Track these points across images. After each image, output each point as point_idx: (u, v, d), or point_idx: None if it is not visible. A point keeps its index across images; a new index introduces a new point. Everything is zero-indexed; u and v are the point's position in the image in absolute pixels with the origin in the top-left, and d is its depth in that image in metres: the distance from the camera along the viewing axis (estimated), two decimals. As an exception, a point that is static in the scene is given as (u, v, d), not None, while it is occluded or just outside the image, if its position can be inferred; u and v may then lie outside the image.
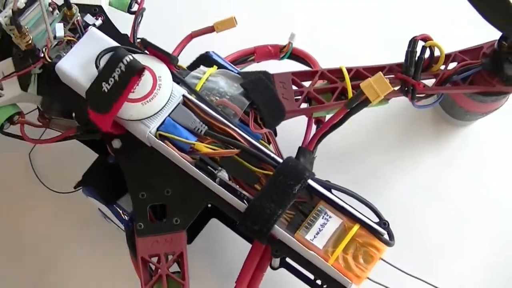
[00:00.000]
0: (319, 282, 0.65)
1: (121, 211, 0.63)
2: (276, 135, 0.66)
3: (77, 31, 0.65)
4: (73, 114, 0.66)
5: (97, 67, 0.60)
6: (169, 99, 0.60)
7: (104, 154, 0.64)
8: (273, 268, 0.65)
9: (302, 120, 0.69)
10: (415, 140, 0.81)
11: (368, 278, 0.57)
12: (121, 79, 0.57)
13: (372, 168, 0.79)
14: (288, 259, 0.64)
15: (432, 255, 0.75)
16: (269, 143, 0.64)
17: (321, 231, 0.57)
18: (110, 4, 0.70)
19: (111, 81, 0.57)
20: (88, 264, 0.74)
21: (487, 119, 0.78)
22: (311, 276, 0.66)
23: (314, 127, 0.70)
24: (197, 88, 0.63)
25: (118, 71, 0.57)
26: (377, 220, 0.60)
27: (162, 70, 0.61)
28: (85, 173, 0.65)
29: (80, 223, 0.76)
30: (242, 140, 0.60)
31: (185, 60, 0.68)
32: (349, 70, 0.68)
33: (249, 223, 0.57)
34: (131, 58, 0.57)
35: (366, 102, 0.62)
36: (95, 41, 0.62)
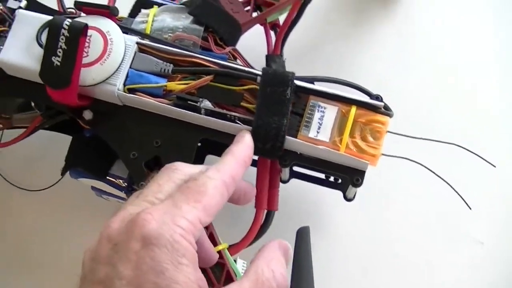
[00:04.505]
0: (332, 179, 0.65)
1: (117, 180, 0.61)
2: (239, 52, 0.64)
3: (5, 20, 0.61)
4: (32, 104, 0.63)
5: (40, 45, 0.57)
6: (125, 51, 0.57)
7: (78, 132, 0.62)
8: (284, 182, 0.64)
9: (258, 33, 0.67)
10: (365, 16, 0.81)
11: (383, 154, 0.56)
12: (69, 46, 0.54)
13: (336, 55, 0.79)
14: (296, 168, 0.63)
15: (427, 116, 0.75)
16: (236, 59, 0.62)
17: (322, 124, 0.55)
18: (25, -16, 0.66)
19: (60, 52, 0.54)
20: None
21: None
22: (323, 177, 0.65)
23: (272, 34, 0.68)
24: (147, 31, 0.60)
25: (62, 39, 0.54)
26: (367, 97, 0.58)
27: (107, 24, 0.58)
28: (67, 156, 0.62)
29: (71, 211, 0.74)
30: (211, 65, 0.57)
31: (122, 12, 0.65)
32: (286, -35, 0.66)
33: (260, 144, 0.55)
34: (70, 21, 0.55)
35: (317, -12, 0.60)
36: (28, 22, 0.59)
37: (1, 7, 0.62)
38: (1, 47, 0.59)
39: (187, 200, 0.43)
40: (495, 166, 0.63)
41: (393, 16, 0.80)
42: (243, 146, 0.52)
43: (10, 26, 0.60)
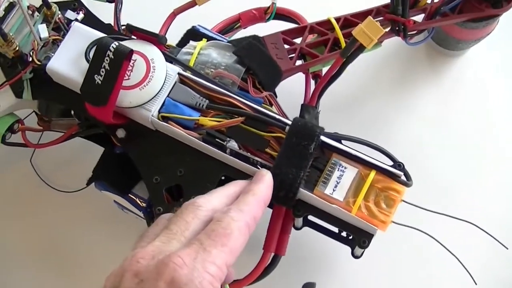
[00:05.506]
0: (344, 234, 0.66)
1: (137, 199, 0.63)
2: (276, 97, 0.65)
3: (60, 29, 0.65)
4: (72, 112, 0.66)
5: (87, 60, 0.59)
6: (165, 79, 0.59)
7: (110, 146, 0.64)
8: (297, 228, 0.65)
9: (299, 79, 0.69)
10: (413, 78, 0.81)
11: (393, 222, 0.57)
12: (112, 67, 0.57)
13: (375, 113, 0.78)
14: (310, 217, 0.64)
15: (451, 189, 0.74)
16: (271, 105, 0.63)
17: (339, 183, 0.57)
18: (87, -4, 0.69)
19: (103, 71, 0.57)
20: (112, 256, 0.74)
21: (479, 44, 0.78)
22: (336, 230, 0.66)
23: (312, 82, 0.69)
24: (191, 64, 0.62)
25: (107, 60, 0.57)
26: (391, 163, 0.59)
27: (153, 52, 0.60)
28: (95, 167, 0.64)
29: (97, 217, 0.75)
30: (244, 107, 0.59)
31: (174, 38, 0.67)
32: (337, 19, 0.67)
33: (274, 191, 0.56)
34: (117, 44, 0.57)
35: (361, 49, 0.61)
36: (81, 35, 0.62)
37: (59, 16, 0.65)
38: (52, 54, 0.62)
39: (215, 244, 0.44)
40: (507, 248, 0.64)
41: (440, 82, 0.80)
42: (264, 186, 0.53)
43: (64, 36, 0.63)
